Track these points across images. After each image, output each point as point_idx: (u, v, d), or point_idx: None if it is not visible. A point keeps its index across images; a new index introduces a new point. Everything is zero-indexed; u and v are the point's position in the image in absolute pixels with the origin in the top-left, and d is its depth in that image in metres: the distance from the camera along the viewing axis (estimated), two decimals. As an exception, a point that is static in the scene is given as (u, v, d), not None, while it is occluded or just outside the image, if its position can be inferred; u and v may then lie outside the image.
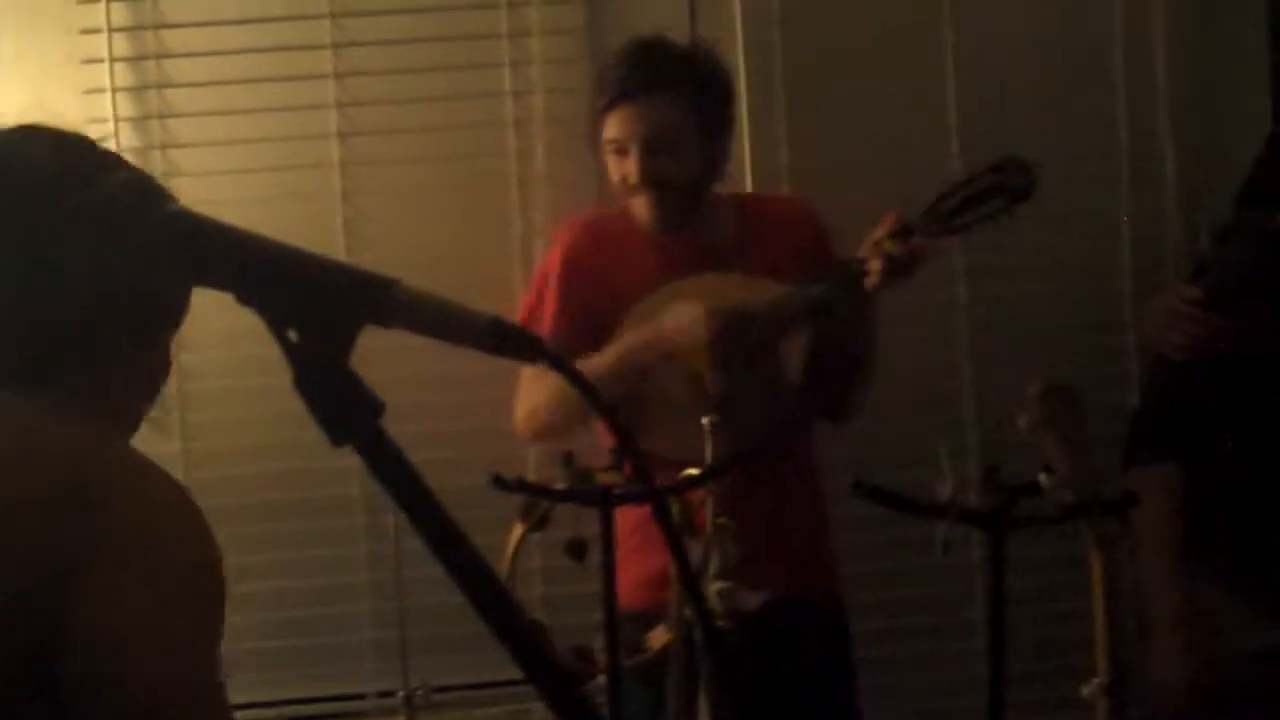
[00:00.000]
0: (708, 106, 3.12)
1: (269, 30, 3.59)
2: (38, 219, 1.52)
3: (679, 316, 3.07)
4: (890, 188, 3.59)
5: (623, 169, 3.10)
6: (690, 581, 1.46)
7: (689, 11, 3.63)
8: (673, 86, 3.07)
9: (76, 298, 1.54)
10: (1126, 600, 2.70)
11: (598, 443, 3.13)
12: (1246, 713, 3.13)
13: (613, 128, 3.09)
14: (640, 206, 3.13)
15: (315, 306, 1.08)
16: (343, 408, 1.07)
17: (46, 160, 1.57)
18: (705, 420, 2.61)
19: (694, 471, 2.59)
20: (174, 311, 1.67)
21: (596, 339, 3.16)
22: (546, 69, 3.62)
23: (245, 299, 1.11)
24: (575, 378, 1.11)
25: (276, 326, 1.08)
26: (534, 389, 3.18)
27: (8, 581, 1.41)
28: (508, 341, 1.09)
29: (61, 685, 1.39)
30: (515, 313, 3.54)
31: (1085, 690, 2.46)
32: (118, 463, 1.54)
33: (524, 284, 3.55)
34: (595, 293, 3.18)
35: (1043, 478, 2.36)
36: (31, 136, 1.61)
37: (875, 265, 2.96)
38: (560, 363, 1.09)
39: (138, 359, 1.67)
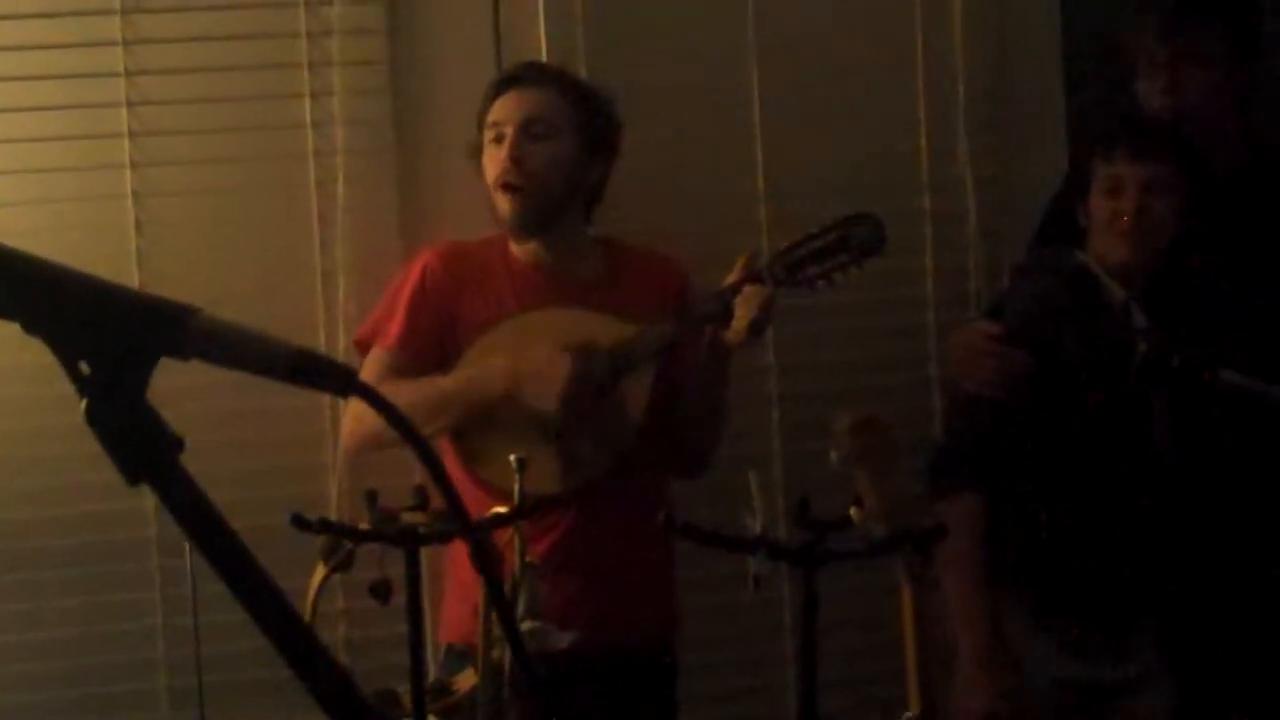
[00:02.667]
0: (590, 116, 3.16)
1: (58, 57, 3.48)
2: None
3: (537, 354, 3.03)
4: (692, 225, 3.63)
5: (497, 156, 3.11)
6: (510, 620, 1.42)
7: (494, 49, 3.59)
8: (560, 84, 3.16)
9: None
10: (935, 631, 2.73)
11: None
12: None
13: (496, 111, 3.14)
14: (502, 204, 3.13)
15: (108, 336, 1.02)
16: (138, 444, 1.02)
17: None
18: (512, 457, 2.58)
19: (501, 510, 2.55)
20: None
21: (439, 362, 3.15)
22: (347, 100, 3.55)
23: (32, 328, 1.05)
24: (386, 410, 1.07)
25: (67, 358, 1.03)
26: (360, 408, 3.12)
27: None
28: (314, 373, 1.05)
29: None
30: (319, 344, 3.50)
31: (898, 724, 2.47)
32: None
33: (325, 315, 3.51)
34: (445, 318, 3.17)
35: (853, 511, 2.37)
36: None
37: (744, 313, 2.98)
38: (370, 395, 1.05)
39: None
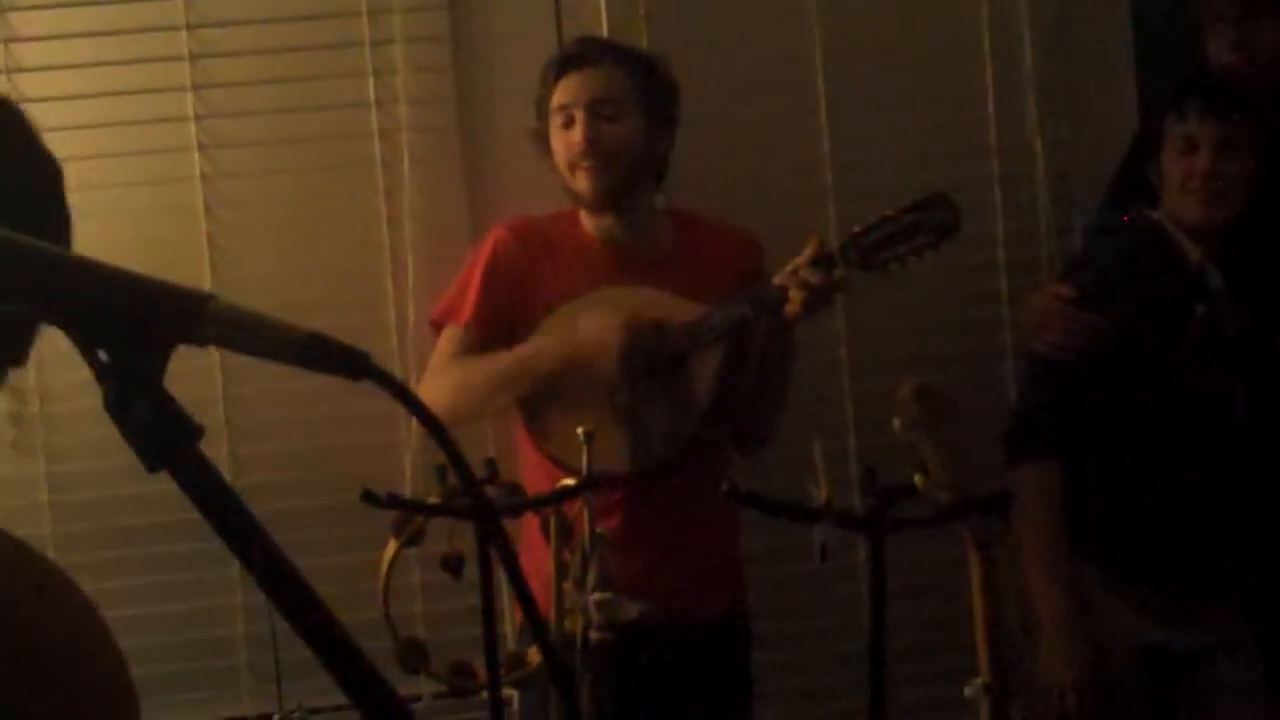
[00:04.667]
0: (653, 89, 3.14)
1: (125, 42, 3.51)
2: None
3: (595, 328, 3.05)
4: (760, 196, 3.61)
5: (568, 139, 3.10)
6: (533, 611, 1.41)
7: (555, 23, 3.59)
8: (621, 59, 3.13)
9: None
10: (1009, 600, 2.71)
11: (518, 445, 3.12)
12: (1130, 710, 3.15)
13: (560, 94, 3.11)
14: (580, 181, 3.12)
15: (125, 324, 1.02)
16: (158, 431, 1.02)
17: None
18: (580, 430, 2.58)
19: (569, 483, 2.56)
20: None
21: (511, 338, 3.15)
22: (410, 77, 3.56)
23: (50, 317, 1.05)
24: (401, 394, 1.06)
25: (85, 346, 1.03)
26: (432, 381, 3.16)
27: None
28: (327, 358, 1.04)
29: None
30: (390, 324, 3.52)
31: (968, 690, 2.46)
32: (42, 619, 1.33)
33: (395, 295, 3.53)
34: (517, 295, 3.16)
35: (918, 479, 2.36)
36: None
37: (795, 294, 2.94)
38: (384, 378, 1.05)
39: None
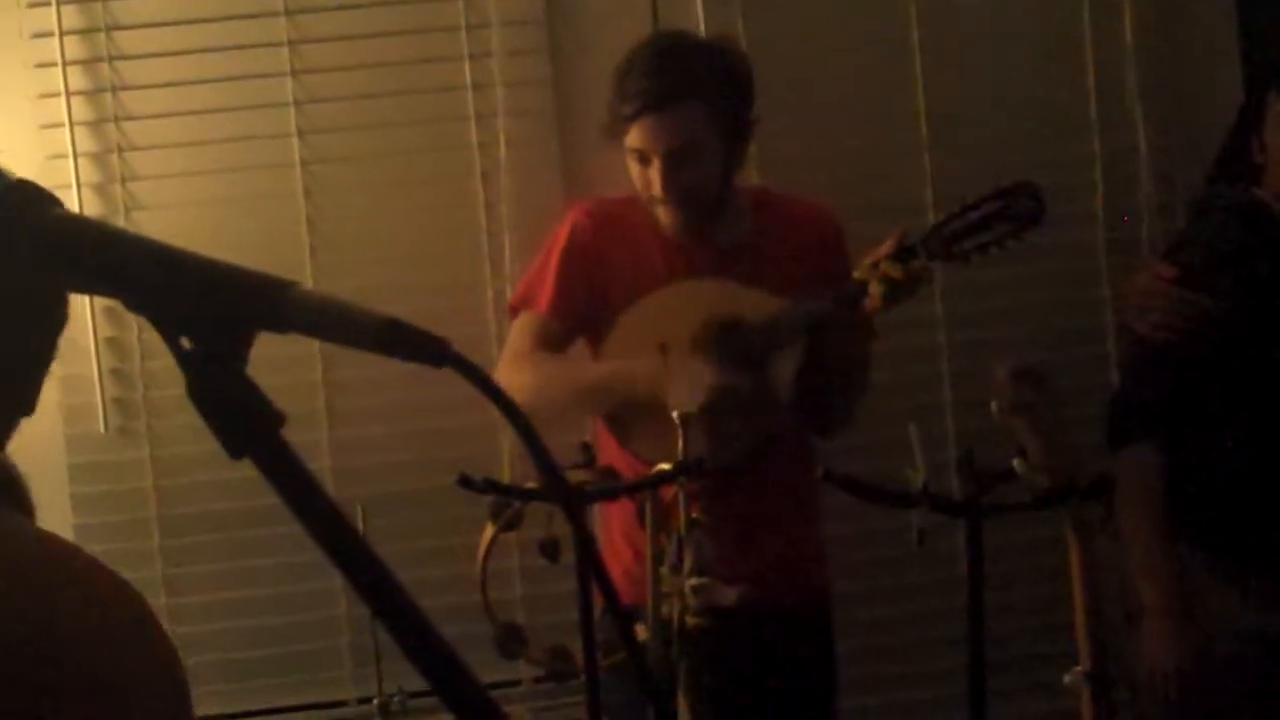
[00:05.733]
0: (730, 112, 3.05)
1: (224, 29, 3.56)
2: None
3: (680, 364, 2.98)
4: (859, 175, 3.59)
5: (646, 177, 3.04)
6: (612, 596, 1.40)
7: (651, 5, 3.59)
8: (696, 95, 2.98)
9: None
10: (1110, 585, 2.68)
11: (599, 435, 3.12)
12: (1235, 696, 3.10)
13: (636, 138, 3.01)
14: (663, 215, 3.08)
15: (207, 313, 1.03)
16: (240, 418, 1.03)
17: None
18: (675, 414, 2.58)
19: (665, 467, 2.56)
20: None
21: (589, 325, 3.15)
22: (506, 61, 3.58)
23: (134, 305, 1.06)
24: (482, 381, 1.06)
25: (168, 334, 1.04)
26: (533, 365, 3.14)
27: None
28: (407, 344, 1.04)
29: None
30: (486, 305, 3.54)
31: (1067, 678, 2.43)
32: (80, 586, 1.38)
33: (492, 276, 3.56)
34: (594, 280, 3.14)
35: (1016, 463, 2.34)
36: None
37: (876, 288, 2.92)
38: (464, 365, 1.05)
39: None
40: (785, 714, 3.14)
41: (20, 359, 1.52)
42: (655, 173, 3.00)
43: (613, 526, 3.10)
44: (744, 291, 3.05)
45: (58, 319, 1.54)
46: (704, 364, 2.99)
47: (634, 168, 3.05)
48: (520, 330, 3.17)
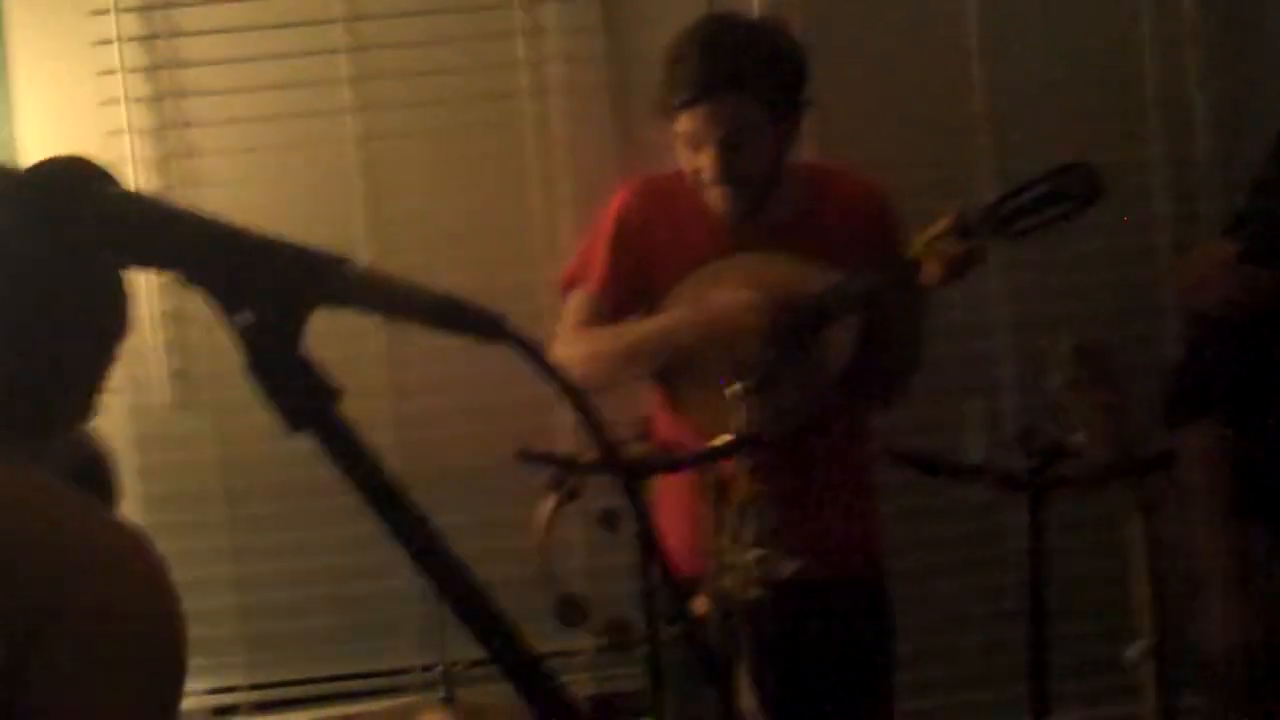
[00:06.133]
0: (782, 96, 3.03)
1: (281, 6, 3.59)
2: None
3: (729, 300, 3.03)
4: (915, 152, 3.58)
5: (696, 162, 3.03)
6: (664, 570, 1.41)
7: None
8: (748, 83, 2.97)
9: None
10: (1171, 561, 2.67)
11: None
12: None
13: (686, 123, 3.01)
14: (714, 199, 3.07)
15: (264, 289, 1.04)
16: (298, 394, 1.04)
17: None
18: (733, 388, 2.59)
19: (725, 439, 2.57)
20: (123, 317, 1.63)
21: (640, 302, 3.15)
22: (562, 37, 3.60)
23: (193, 280, 1.08)
24: (537, 357, 1.07)
25: (227, 309, 1.05)
26: (582, 336, 3.17)
27: None
28: (462, 320, 1.05)
29: None
30: (541, 281, 3.55)
31: (1128, 653, 2.43)
32: (96, 532, 1.47)
33: (548, 251, 3.59)
34: (644, 258, 3.15)
35: (1077, 438, 2.33)
36: None
37: (931, 265, 2.90)
38: (520, 342, 1.06)
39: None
40: (842, 686, 3.16)
41: (87, 340, 1.56)
42: (706, 159, 3.00)
43: (669, 498, 3.11)
44: (797, 265, 3.06)
45: (119, 301, 1.57)
46: (753, 300, 3.00)
47: (684, 152, 3.05)
48: (573, 308, 3.20)
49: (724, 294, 3.04)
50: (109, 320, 1.60)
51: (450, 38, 3.60)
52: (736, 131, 2.98)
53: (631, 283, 3.15)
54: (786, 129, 3.07)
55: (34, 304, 1.51)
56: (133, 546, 1.45)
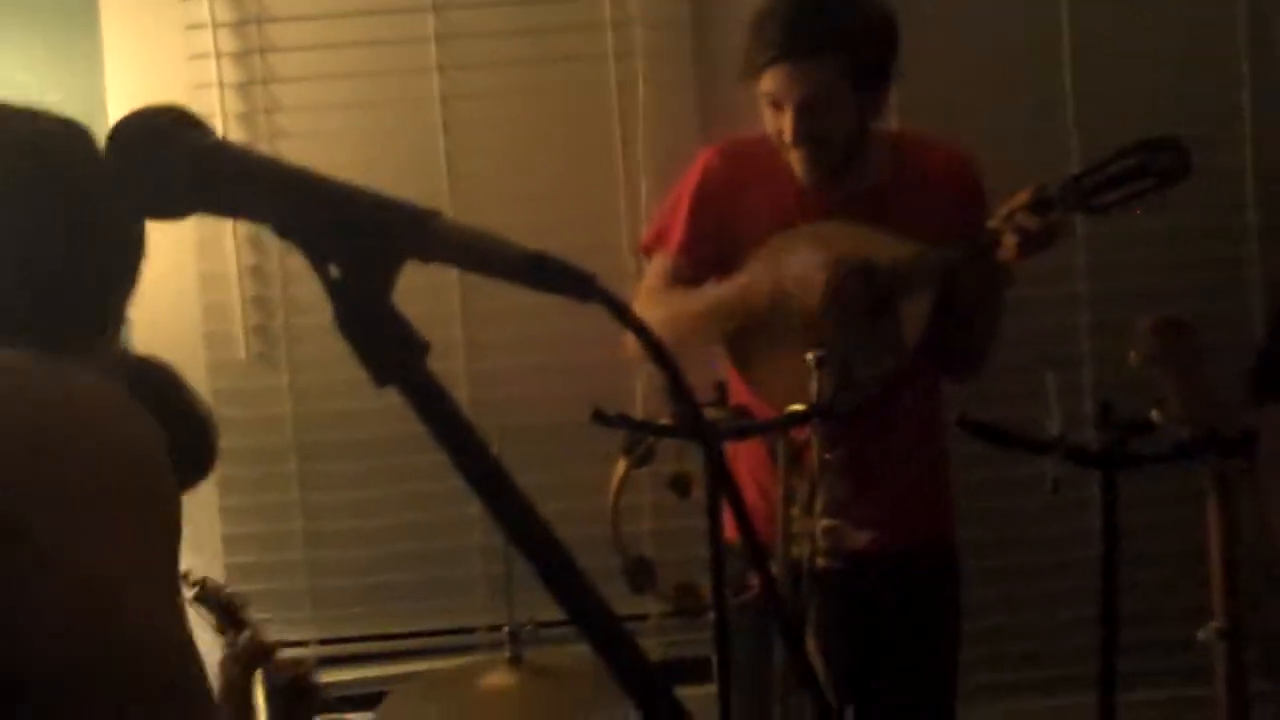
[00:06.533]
0: (867, 62, 3.00)
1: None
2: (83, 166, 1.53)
3: (802, 265, 3.02)
4: (1002, 125, 3.55)
5: (778, 123, 3.01)
6: (751, 535, 1.40)
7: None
8: (832, 48, 2.95)
9: (114, 238, 1.54)
10: (1251, 541, 2.64)
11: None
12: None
13: (769, 84, 2.99)
14: (795, 161, 3.06)
15: (355, 240, 1.04)
16: (386, 347, 1.04)
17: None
18: (809, 356, 2.58)
19: (799, 407, 2.56)
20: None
21: (720, 265, 3.14)
22: (645, 1, 3.57)
23: (284, 231, 1.07)
24: (625, 316, 1.06)
25: (317, 261, 1.05)
26: (661, 299, 3.17)
27: None
28: (553, 278, 1.05)
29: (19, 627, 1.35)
30: (621, 244, 3.55)
31: (1201, 634, 2.41)
32: (76, 399, 1.50)
33: (628, 214, 3.58)
34: (725, 221, 3.14)
35: (1155, 414, 2.31)
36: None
37: (1010, 239, 2.87)
38: (610, 300, 1.05)
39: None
40: (908, 658, 3.15)
41: (91, 279, 1.59)
42: (787, 120, 2.98)
43: (738, 465, 3.11)
44: (875, 234, 3.03)
45: (135, 245, 1.61)
46: (822, 265, 2.99)
47: (767, 112, 3.03)
48: (653, 271, 3.21)
49: (797, 260, 3.02)
50: (140, 240, 1.64)
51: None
52: (817, 95, 2.96)
53: (711, 246, 3.14)
54: (870, 96, 3.04)
55: (88, 223, 1.54)
56: (119, 400, 1.50)
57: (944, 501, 3.26)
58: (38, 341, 1.51)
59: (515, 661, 2.69)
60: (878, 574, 2.86)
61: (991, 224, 2.91)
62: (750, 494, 3.01)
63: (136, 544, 1.42)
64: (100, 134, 1.41)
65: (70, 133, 1.60)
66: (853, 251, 3.01)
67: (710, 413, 2.61)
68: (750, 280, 3.07)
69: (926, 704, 3.22)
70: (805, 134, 2.98)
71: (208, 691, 1.50)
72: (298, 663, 2.47)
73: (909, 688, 3.17)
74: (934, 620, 3.21)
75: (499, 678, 2.69)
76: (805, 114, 2.97)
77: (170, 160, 1.09)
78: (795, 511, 2.59)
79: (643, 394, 3.45)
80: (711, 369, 3.07)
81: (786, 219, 3.09)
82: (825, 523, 2.54)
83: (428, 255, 1.04)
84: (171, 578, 1.48)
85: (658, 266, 3.20)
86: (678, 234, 3.16)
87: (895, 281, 2.99)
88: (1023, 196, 2.88)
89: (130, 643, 1.38)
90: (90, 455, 1.42)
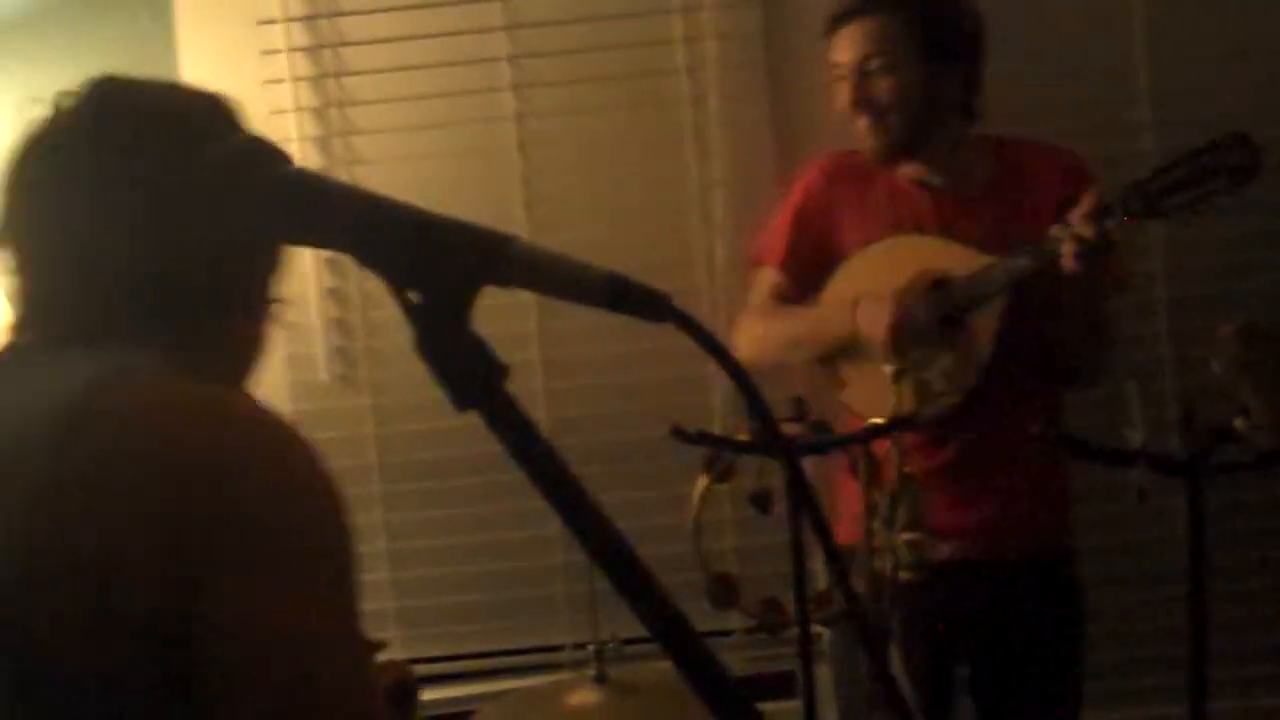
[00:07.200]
0: (931, 29, 3.01)
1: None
2: (176, 165, 1.45)
3: (877, 284, 3.01)
4: (1076, 128, 3.52)
5: (843, 96, 3.05)
6: (832, 550, 1.39)
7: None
8: (885, 8, 3.00)
9: (195, 251, 1.45)
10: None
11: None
12: None
13: (833, 51, 3.06)
14: (861, 135, 3.07)
15: (434, 266, 1.05)
16: (465, 371, 1.04)
17: (191, 111, 1.54)
18: (886, 369, 2.57)
19: (878, 420, 2.55)
20: (272, 277, 1.59)
21: (819, 281, 3.17)
22: (718, 14, 3.58)
23: (365, 260, 1.08)
24: (701, 335, 1.07)
25: (397, 287, 1.06)
26: (760, 318, 3.21)
27: (134, 571, 1.26)
28: (628, 300, 1.05)
29: (194, 683, 1.26)
30: (697, 258, 3.55)
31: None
32: (252, 429, 1.38)
33: (703, 229, 3.60)
34: (823, 240, 3.17)
35: (1239, 421, 2.28)
36: (176, 88, 1.60)
37: (1068, 248, 2.82)
38: (686, 320, 1.05)
39: (240, 328, 1.59)
40: (1023, 668, 3.13)
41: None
42: (848, 88, 3.02)
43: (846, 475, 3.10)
44: (958, 250, 3.02)
45: (273, 279, 1.57)
46: (885, 300, 2.98)
47: (837, 89, 3.06)
48: (758, 284, 3.25)
49: (874, 278, 3.02)
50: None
51: (606, 15, 3.60)
52: (869, 56, 2.99)
53: (810, 263, 3.17)
54: (939, 69, 3.03)
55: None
56: (287, 434, 1.39)
57: (1054, 508, 3.20)
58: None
59: (600, 679, 2.69)
60: (983, 584, 2.85)
61: (1053, 232, 2.87)
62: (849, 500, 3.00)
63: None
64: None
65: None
66: (926, 269, 3.00)
67: (789, 428, 2.60)
68: (825, 314, 3.11)
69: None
70: (859, 97, 3.01)
71: None
72: (398, 665, 2.46)
73: (1034, 698, 3.15)
74: (1048, 630, 3.15)
75: (585, 695, 2.69)
76: (861, 77, 3.00)
77: (252, 191, 1.11)
78: (876, 525, 2.58)
79: (721, 410, 3.45)
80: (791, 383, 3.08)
81: (884, 230, 3.09)
82: (906, 535, 2.53)
83: (505, 280, 1.05)
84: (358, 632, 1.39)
85: (762, 281, 3.24)
86: (778, 251, 3.21)
87: (966, 295, 2.98)
88: (1083, 203, 2.84)
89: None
90: (270, 495, 1.33)
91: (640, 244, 3.54)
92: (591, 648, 2.74)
